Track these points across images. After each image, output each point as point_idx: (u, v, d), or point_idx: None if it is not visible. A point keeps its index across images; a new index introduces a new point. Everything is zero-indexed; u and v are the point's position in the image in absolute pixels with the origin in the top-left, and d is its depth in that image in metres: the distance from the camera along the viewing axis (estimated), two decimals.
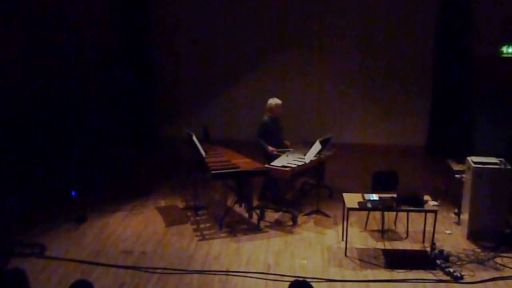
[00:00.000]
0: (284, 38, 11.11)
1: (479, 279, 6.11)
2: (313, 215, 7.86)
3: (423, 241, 6.98)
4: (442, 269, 6.27)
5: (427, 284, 6.03)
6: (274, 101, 8.13)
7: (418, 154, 10.83)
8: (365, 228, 7.43)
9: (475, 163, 7.00)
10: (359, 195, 6.86)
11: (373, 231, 7.39)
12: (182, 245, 6.95)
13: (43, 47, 10.11)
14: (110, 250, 6.79)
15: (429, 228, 6.85)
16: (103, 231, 7.33)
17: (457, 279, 6.08)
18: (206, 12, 11.18)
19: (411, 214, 7.21)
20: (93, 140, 10.60)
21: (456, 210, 7.75)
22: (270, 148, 8.03)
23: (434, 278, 6.13)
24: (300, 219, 7.74)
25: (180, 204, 8.34)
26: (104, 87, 10.90)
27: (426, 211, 6.69)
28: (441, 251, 6.60)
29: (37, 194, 8.43)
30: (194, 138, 7.73)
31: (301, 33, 11.07)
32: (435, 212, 6.61)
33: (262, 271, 6.25)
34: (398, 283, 6.06)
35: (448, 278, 6.12)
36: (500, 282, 6.09)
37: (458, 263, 6.46)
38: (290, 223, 7.63)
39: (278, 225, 7.61)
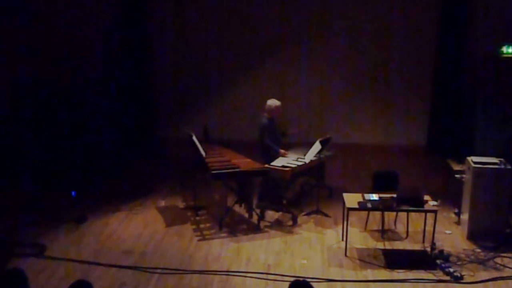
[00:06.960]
0: (283, 38, 11.11)
1: (479, 279, 6.11)
2: (313, 215, 7.86)
3: (423, 241, 6.98)
4: (442, 269, 6.27)
5: (427, 284, 6.02)
6: (274, 102, 8.06)
7: (418, 154, 10.83)
8: (365, 228, 7.43)
9: (475, 163, 7.00)
10: (359, 195, 6.86)
11: (373, 231, 7.39)
12: (182, 245, 6.95)
13: (43, 47, 10.11)
14: (110, 250, 6.79)
15: (429, 228, 6.85)
16: (103, 231, 7.33)
17: (457, 279, 6.07)
18: (205, 12, 11.18)
19: (411, 214, 7.21)
20: (93, 140, 10.58)
21: (456, 210, 7.75)
22: (282, 151, 7.99)
23: (434, 278, 6.13)
24: (300, 219, 7.74)
25: (180, 204, 8.34)
26: (104, 87, 10.89)
27: (426, 211, 6.69)
28: (441, 251, 6.59)
29: (37, 194, 8.42)
30: (194, 138, 7.72)
31: (300, 34, 11.07)
32: (435, 212, 6.60)
33: (262, 271, 6.25)
34: (398, 283, 6.06)
35: (448, 278, 6.12)
36: (500, 282, 6.09)
37: (458, 263, 6.46)
38: (290, 223, 7.62)
39: (278, 225, 7.61)
